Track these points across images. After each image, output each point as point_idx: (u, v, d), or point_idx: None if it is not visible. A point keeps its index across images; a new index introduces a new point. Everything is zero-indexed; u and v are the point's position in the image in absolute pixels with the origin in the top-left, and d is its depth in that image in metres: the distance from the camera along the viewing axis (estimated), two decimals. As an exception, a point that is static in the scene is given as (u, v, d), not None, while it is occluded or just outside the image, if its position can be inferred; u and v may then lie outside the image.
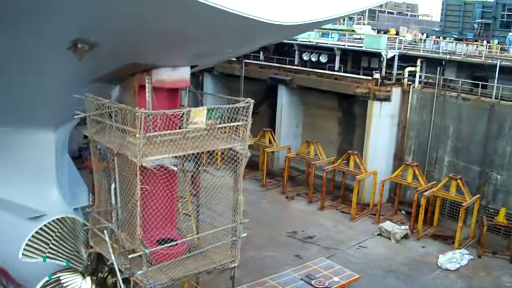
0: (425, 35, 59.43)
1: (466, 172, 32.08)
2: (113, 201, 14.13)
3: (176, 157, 13.21)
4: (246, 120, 13.90)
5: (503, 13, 56.29)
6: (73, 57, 11.80)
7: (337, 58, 38.68)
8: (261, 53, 35.64)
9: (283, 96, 39.94)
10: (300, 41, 40.88)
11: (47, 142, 18.11)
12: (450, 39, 53.77)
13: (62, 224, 15.68)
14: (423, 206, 30.30)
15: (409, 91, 34.77)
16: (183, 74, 14.57)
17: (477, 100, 32.10)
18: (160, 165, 13.14)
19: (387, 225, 30.69)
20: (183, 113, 13.43)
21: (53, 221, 15.59)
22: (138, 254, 13.04)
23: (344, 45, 39.24)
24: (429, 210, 31.83)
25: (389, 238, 29.87)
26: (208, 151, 13.59)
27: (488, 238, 28.83)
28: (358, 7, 18.13)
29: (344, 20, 56.04)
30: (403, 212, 33.99)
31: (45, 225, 15.45)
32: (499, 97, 31.32)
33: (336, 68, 38.62)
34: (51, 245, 15.44)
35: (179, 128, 13.53)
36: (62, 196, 18.82)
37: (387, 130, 34.97)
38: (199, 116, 13.47)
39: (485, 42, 49.34)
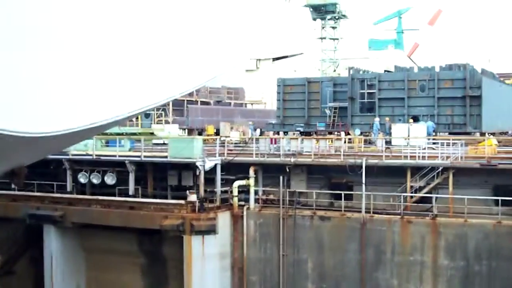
0: (258, 131, 63.33)
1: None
2: None
3: None
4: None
5: (362, 91, 61.75)
6: None
7: (132, 177, 39.17)
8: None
9: (53, 242, 39.07)
10: (73, 155, 40.97)
11: None
12: (293, 134, 57.79)
13: None
14: None
15: (242, 216, 36.23)
16: None
17: (341, 217, 34.44)
18: None
19: None
20: None
21: None
22: None
23: (140, 156, 40.08)
24: None
25: None
26: None
27: None
28: (152, 102, 18.88)
29: (137, 118, 57.72)
30: None
31: None
32: (371, 210, 34.02)
33: (131, 191, 38.99)
34: None
35: None
36: None
37: (216, 277, 35.67)
38: None
39: (342, 134, 53.95)
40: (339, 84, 63.84)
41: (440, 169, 34.18)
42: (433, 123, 53.35)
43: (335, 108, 61.48)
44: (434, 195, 33.93)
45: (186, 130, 71.49)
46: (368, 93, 60.74)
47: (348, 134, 55.41)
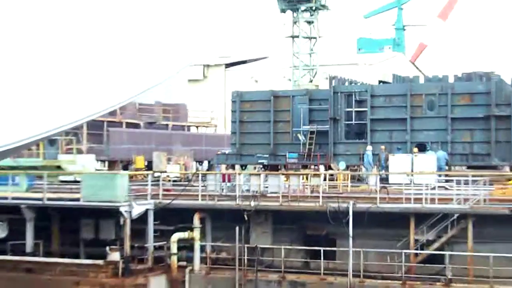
0: (205, 163, 63.59)
1: None
2: None
3: None
4: None
5: (349, 109, 61.69)
6: None
7: (30, 227, 39.12)
8: None
9: None
10: None
11: None
12: (255, 168, 58.03)
13: None
14: None
15: (184, 281, 36.28)
16: None
17: (320, 282, 34.78)
18: None
19: None
20: None
21: None
22: None
23: (41, 199, 39.98)
24: None
25: None
26: None
27: None
28: (59, 124, 18.55)
29: (38, 146, 57.50)
30: None
31: None
32: (361, 273, 34.37)
33: (29, 247, 38.94)
34: None
35: None
36: None
37: None
38: None
39: (321, 168, 54.21)
40: (317, 100, 63.64)
41: (455, 217, 34.45)
42: (445, 153, 53.61)
43: (312, 133, 61.35)
44: (447, 252, 34.13)
45: (106, 163, 71.26)
46: (356, 112, 60.83)
47: (330, 168, 55.64)
